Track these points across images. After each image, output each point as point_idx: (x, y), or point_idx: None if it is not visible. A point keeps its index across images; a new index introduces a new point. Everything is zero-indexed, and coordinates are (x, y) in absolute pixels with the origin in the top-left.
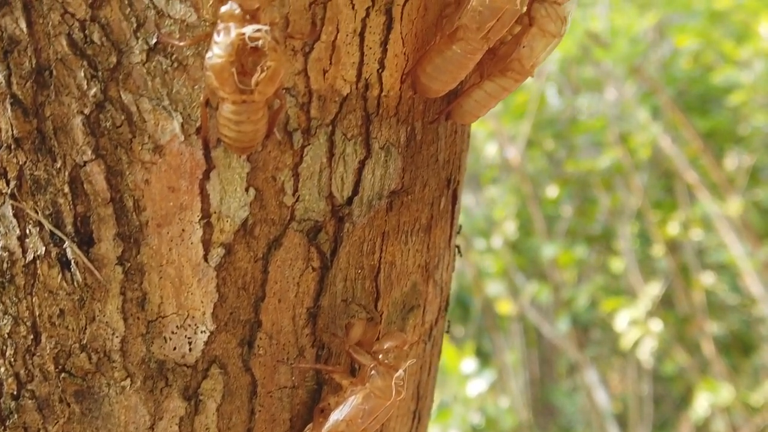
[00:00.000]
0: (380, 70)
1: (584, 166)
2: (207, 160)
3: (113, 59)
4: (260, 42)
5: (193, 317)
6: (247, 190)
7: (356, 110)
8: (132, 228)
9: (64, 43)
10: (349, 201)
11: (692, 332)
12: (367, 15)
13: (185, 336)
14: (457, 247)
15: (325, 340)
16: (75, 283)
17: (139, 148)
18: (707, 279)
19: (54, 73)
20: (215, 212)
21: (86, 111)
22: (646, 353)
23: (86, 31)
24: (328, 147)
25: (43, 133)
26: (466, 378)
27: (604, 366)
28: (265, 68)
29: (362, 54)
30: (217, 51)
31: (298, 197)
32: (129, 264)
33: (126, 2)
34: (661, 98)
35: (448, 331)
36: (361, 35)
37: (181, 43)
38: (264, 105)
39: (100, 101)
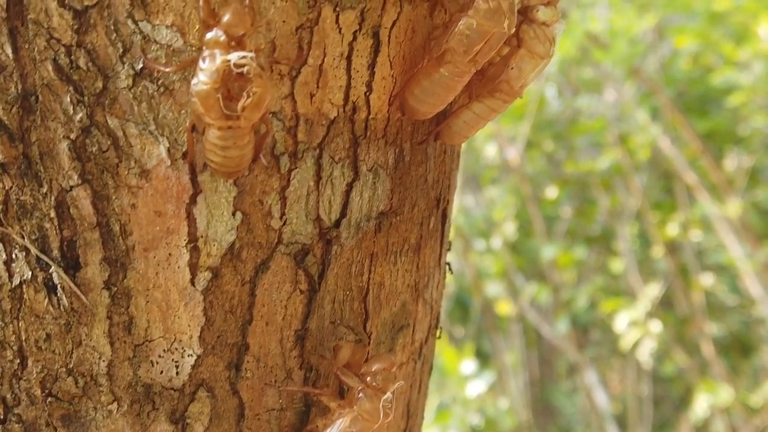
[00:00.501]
0: (368, 93)
1: (584, 167)
2: (194, 184)
3: (99, 84)
4: (245, 69)
5: (180, 341)
6: (234, 214)
7: (344, 133)
8: (119, 252)
9: (50, 68)
10: (337, 223)
11: (692, 333)
12: (355, 38)
13: (172, 359)
14: (448, 264)
15: (313, 362)
16: (61, 308)
17: (126, 172)
18: (707, 280)
19: (40, 98)
20: (202, 236)
21: (72, 136)
22: (645, 354)
23: (72, 57)
24: (316, 170)
25: (30, 158)
26: (465, 379)
27: (603, 367)
28: (251, 94)
29: (349, 77)
30: (203, 78)
31: (286, 220)
32: (115, 288)
33: (112, 28)
34: (661, 99)
35: (439, 337)
36: (349, 59)
37: (167, 69)
38: (250, 130)
39: (86, 126)
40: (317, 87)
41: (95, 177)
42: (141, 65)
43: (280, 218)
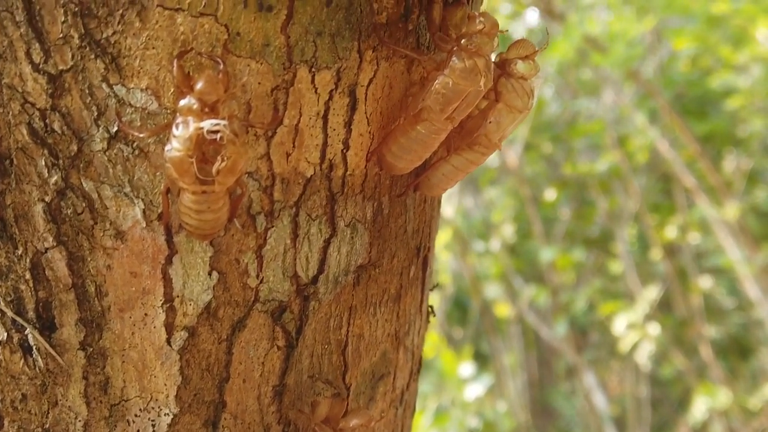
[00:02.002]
0: (345, 150)
1: (582, 170)
2: (169, 245)
3: (74, 147)
4: (219, 135)
5: (157, 400)
6: (210, 273)
7: (320, 191)
8: (94, 313)
9: (25, 132)
10: (315, 279)
11: (690, 336)
12: (331, 98)
13: (148, 419)
14: (430, 307)
15: (291, 418)
16: (37, 368)
17: (101, 234)
18: (705, 283)
19: (15, 161)
20: (178, 296)
21: (47, 198)
22: (644, 356)
23: (47, 120)
24: (292, 228)
25: (4, 220)
26: (464, 382)
27: (602, 369)
28: (226, 158)
29: (326, 135)
30: (176, 144)
31: (262, 279)
32: (91, 349)
33: (86, 91)
34: (659, 102)
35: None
36: (325, 117)
37: (141, 135)
38: (225, 193)
39: (61, 189)
40: (293, 146)
41: (70, 239)
42: (116, 128)
43: (257, 276)
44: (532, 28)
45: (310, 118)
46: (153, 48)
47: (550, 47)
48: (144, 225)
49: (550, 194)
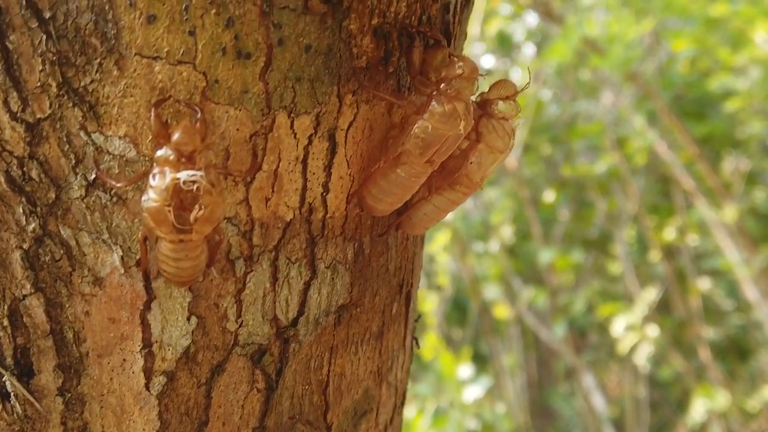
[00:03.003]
0: (325, 194)
1: (581, 171)
2: (148, 291)
3: (52, 195)
4: (195, 186)
5: None
6: (188, 318)
7: (300, 234)
8: (72, 359)
9: (2, 180)
10: (295, 322)
11: (689, 337)
12: (310, 142)
13: None
14: (415, 339)
15: None
16: (15, 414)
17: (79, 280)
18: (704, 284)
19: None
20: (157, 341)
21: (25, 246)
22: (642, 358)
23: (24, 168)
24: (272, 272)
25: None
26: (462, 384)
27: (601, 370)
28: (203, 207)
29: (305, 180)
30: (153, 195)
31: (242, 322)
32: (69, 394)
33: (64, 139)
34: (657, 103)
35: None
36: (304, 162)
37: (118, 185)
38: (203, 241)
39: (39, 236)
40: (272, 191)
41: (48, 285)
42: (94, 175)
43: (236, 320)
44: (532, 30)
45: (289, 163)
46: (131, 96)
47: (549, 49)
48: (122, 271)
49: (549, 195)
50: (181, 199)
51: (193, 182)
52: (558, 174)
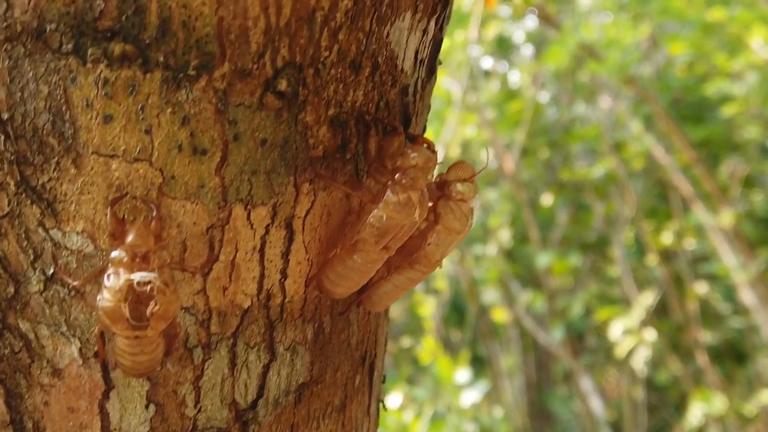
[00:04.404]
0: (283, 280)
1: (579, 175)
2: (106, 380)
3: (11, 289)
4: (149, 287)
5: None
6: (147, 406)
7: (258, 320)
8: None
9: None
10: (254, 404)
11: (686, 341)
12: (267, 232)
13: None
14: (381, 401)
15: None
16: None
17: (38, 372)
18: (701, 288)
19: None
20: (116, 429)
21: None
22: (640, 362)
23: None
24: (230, 358)
25: None
26: (460, 388)
27: (599, 374)
28: (158, 304)
29: (263, 268)
30: (107, 295)
31: (200, 408)
32: None
33: (23, 235)
34: (654, 107)
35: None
36: (261, 251)
37: (75, 283)
38: (159, 335)
39: None
40: (230, 281)
41: (8, 376)
42: (52, 270)
43: (195, 406)
44: (530, 32)
45: (246, 253)
46: (88, 193)
47: (547, 53)
48: (81, 362)
49: (547, 199)
50: (137, 294)
51: (147, 283)
52: (556, 177)
